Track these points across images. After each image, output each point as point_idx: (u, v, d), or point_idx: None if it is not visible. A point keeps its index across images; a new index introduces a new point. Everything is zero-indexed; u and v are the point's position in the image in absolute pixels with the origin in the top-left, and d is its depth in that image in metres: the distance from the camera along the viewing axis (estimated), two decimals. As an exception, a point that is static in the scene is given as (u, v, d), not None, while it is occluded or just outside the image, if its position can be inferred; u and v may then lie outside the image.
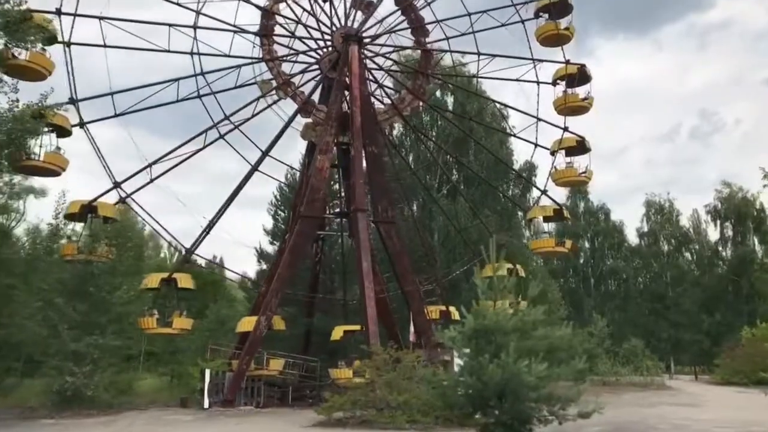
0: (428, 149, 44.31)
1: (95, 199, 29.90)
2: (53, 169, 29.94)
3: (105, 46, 31.41)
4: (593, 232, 76.59)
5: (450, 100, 50.23)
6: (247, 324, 31.24)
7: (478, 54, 37.83)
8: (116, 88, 30.95)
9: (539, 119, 38.78)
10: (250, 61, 33.44)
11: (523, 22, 39.57)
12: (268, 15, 33.95)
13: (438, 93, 47.75)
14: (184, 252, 32.04)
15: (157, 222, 31.06)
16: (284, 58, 34.53)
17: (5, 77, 27.88)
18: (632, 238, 77.84)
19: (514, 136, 41.48)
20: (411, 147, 48.63)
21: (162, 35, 31.43)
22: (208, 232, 32.05)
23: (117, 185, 30.37)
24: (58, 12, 29.99)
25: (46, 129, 29.76)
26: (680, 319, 63.94)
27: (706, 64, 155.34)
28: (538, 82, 39.89)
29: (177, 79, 32.10)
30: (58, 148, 30.19)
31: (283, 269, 31.09)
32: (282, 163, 35.59)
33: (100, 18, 30.61)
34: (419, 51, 37.65)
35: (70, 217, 30.72)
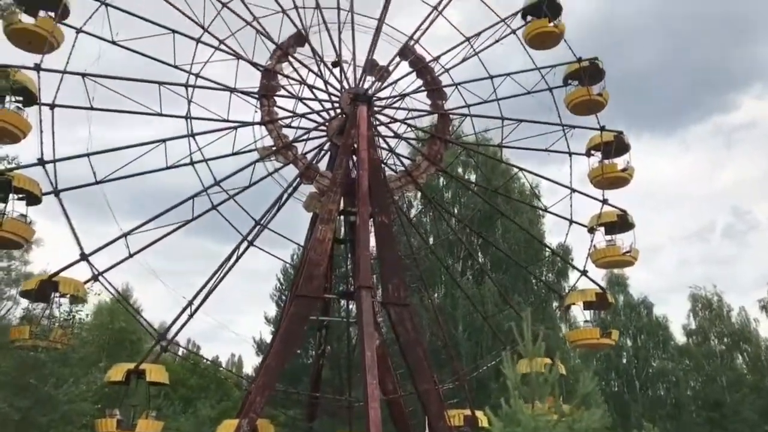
0: (450, 227, 39.83)
1: (57, 273, 25.64)
2: (15, 240, 26.15)
3: (91, 108, 28.50)
4: (635, 328, 69.70)
5: (472, 173, 46.18)
6: (227, 429, 25.73)
7: (502, 119, 34.18)
8: (95, 145, 27.54)
9: (574, 190, 34.33)
10: (248, 122, 30.12)
11: (551, 89, 36.34)
12: (269, 75, 30.99)
13: (460, 169, 43.86)
14: (157, 341, 27.07)
15: (130, 305, 26.43)
16: (286, 121, 31.17)
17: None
18: (678, 336, 70.91)
19: (546, 210, 36.85)
20: (430, 225, 44.14)
21: (152, 91, 28.27)
22: (187, 320, 27.40)
23: (84, 258, 26.18)
24: (38, 68, 27.30)
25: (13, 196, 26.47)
26: (741, 429, 55.91)
27: (735, 163, 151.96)
28: (570, 153, 35.90)
29: (165, 140, 28.77)
30: (24, 216, 26.54)
31: (273, 359, 25.98)
32: (285, 238, 31.26)
33: (84, 75, 27.90)
34: (436, 115, 34.09)
35: (28, 294, 26.41)
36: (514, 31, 36.44)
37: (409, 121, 33.76)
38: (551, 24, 35.88)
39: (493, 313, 36.83)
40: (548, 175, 36.63)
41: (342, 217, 31.46)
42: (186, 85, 29.42)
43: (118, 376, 25.70)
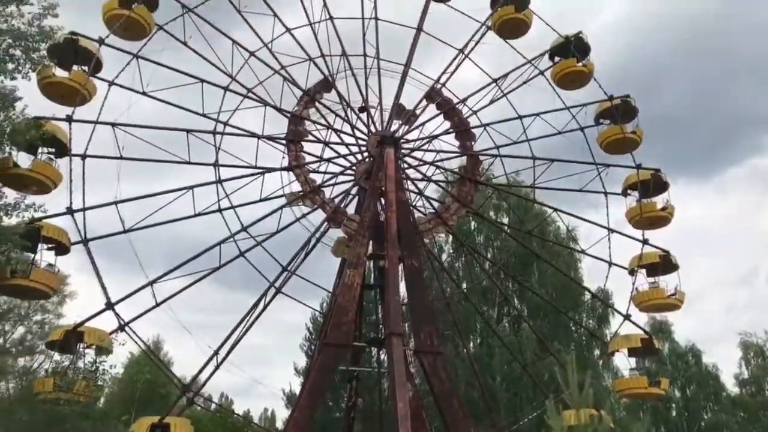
0: (484, 271, 38.50)
1: (82, 323, 25.19)
2: (42, 290, 25.97)
3: (121, 158, 28.72)
4: (684, 378, 65.90)
5: (505, 216, 44.96)
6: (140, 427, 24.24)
7: (533, 158, 33.33)
8: (123, 194, 27.55)
9: (612, 230, 32.98)
10: (275, 168, 29.90)
11: (582, 129, 35.54)
12: (296, 120, 30.95)
13: (492, 213, 42.79)
14: (182, 393, 26.18)
15: (155, 356, 25.75)
16: (313, 165, 30.88)
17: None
18: (730, 386, 66.73)
19: (584, 252, 35.41)
20: (463, 269, 42.78)
21: (181, 139, 28.38)
22: (214, 371, 26.56)
23: (110, 306, 25.75)
24: (69, 119, 27.69)
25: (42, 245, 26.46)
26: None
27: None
28: (605, 192, 34.73)
29: (193, 187, 28.66)
30: (51, 265, 26.42)
31: (300, 413, 24.74)
32: (313, 284, 30.42)
33: (114, 124, 28.21)
34: (465, 157, 33.42)
35: (53, 345, 25.98)
36: (542, 72, 36.03)
37: (437, 163, 33.15)
38: (580, 64, 35.39)
39: (533, 361, 34.97)
40: (583, 216, 35.17)
41: (371, 262, 30.61)
42: (214, 133, 29.51)
43: (141, 431, 24.77)
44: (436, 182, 33.62)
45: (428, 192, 34.18)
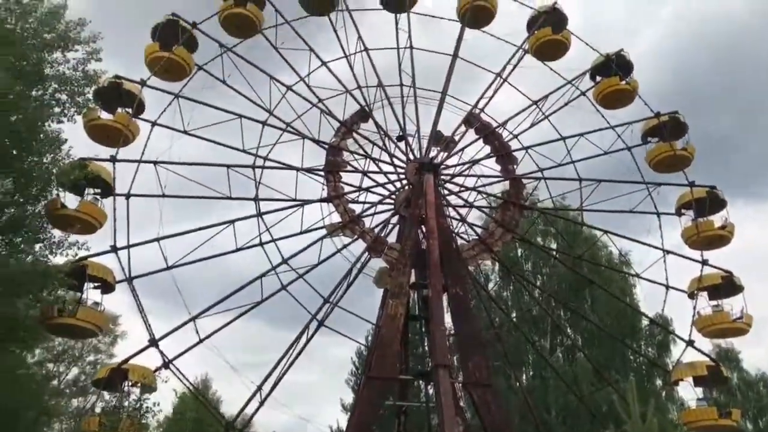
0: (534, 299, 37.01)
1: (126, 361, 25.18)
2: (88, 328, 26.15)
3: (163, 195, 29.17)
4: (756, 409, 61.64)
5: (552, 242, 43.36)
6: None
7: (580, 180, 32.19)
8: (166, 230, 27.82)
9: (668, 252, 31.32)
10: (314, 200, 29.74)
11: (629, 148, 34.33)
12: (334, 151, 30.85)
13: (539, 239, 41.41)
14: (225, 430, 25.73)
15: (198, 391, 25.44)
16: (352, 196, 30.59)
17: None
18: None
19: (638, 276, 33.68)
20: (512, 298, 41.29)
21: (220, 175, 28.62)
22: (258, 407, 26.05)
23: (154, 343, 25.72)
24: (113, 159, 28.31)
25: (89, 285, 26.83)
26: None
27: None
28: (657, 213, 33.20)
29: (234, 221, 28.71)
30: (97, 303, 26.67)
31: (346, 450, 23.92)
32: (357, 316, 29.70)
33: (155, 163, 28.68)
34: (507, 181, 32.55)
35: (99, 383, 26.03)
36: (583, 93, 35.15)
37: (479, 188, 32.37)
38: (623, 82, 34.35)
39: (589, 392, 33.07)
40: (636, 238, 33.52)
41: (415, 293, 29.80)
42: (253, 167, 29.68)
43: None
44: (478, 208, 32.80)
45: (471, 219, 33.40)
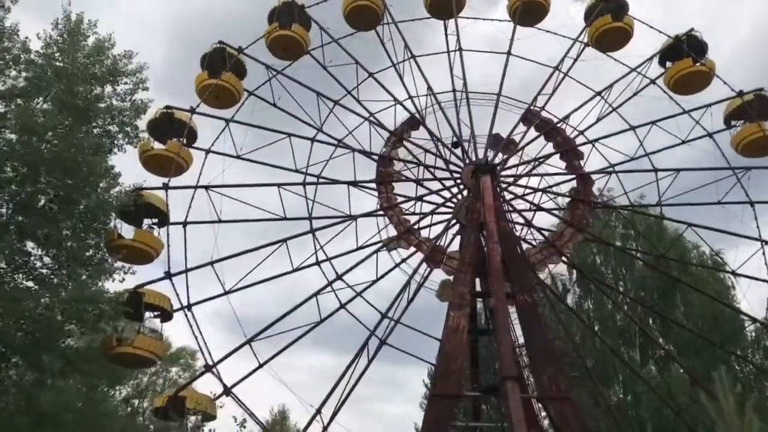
0: (617, 305, 33.80)
1: (183, 388, 24.71)
2: (147, 357, 25.98)
3: (219, 221, 29.02)
4: None
5: (631, 242, 39.70)
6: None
7: (655, 170, 29.39)
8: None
9: (766, 242, 27.78)
10: (366, 213, 28.65)
11: (710, 135, 31.17)
12: (385, 162, 29.74)
13: (619, 241, 38.10)
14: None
15: (256, 419, 24.55)
16: (407, 206, 29.26)
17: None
18: None
19: (734, 273, 30.07)
20: (594, 309, 38.01)
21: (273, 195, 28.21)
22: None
23: (210, 368, 25.17)
24: (166, 187, 28.52)
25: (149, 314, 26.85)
26: None
27: None
28: (751, 202, 29.73)
29: (287, 239, 28.05)
30: (154, 331, 26.55)
31: (413, 474, 22.05)
32: (420, 332, 28.12)
33: (207, 187, 28.63)
34: (574, 179, 30.18)
35: (157, 412, 25.69)
36: (653, 81, 32.46)
37: (543, 189, 30.17)
38: (697, 64, 31.38)
39: (687, 405, 29.50)
40: (728, 230, 30.01)
41: (481, 304, 27.82)
42: (304, 184, 29.02)
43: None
44: (543, 209, 30.46)
45: (538, 223, 31.11)
